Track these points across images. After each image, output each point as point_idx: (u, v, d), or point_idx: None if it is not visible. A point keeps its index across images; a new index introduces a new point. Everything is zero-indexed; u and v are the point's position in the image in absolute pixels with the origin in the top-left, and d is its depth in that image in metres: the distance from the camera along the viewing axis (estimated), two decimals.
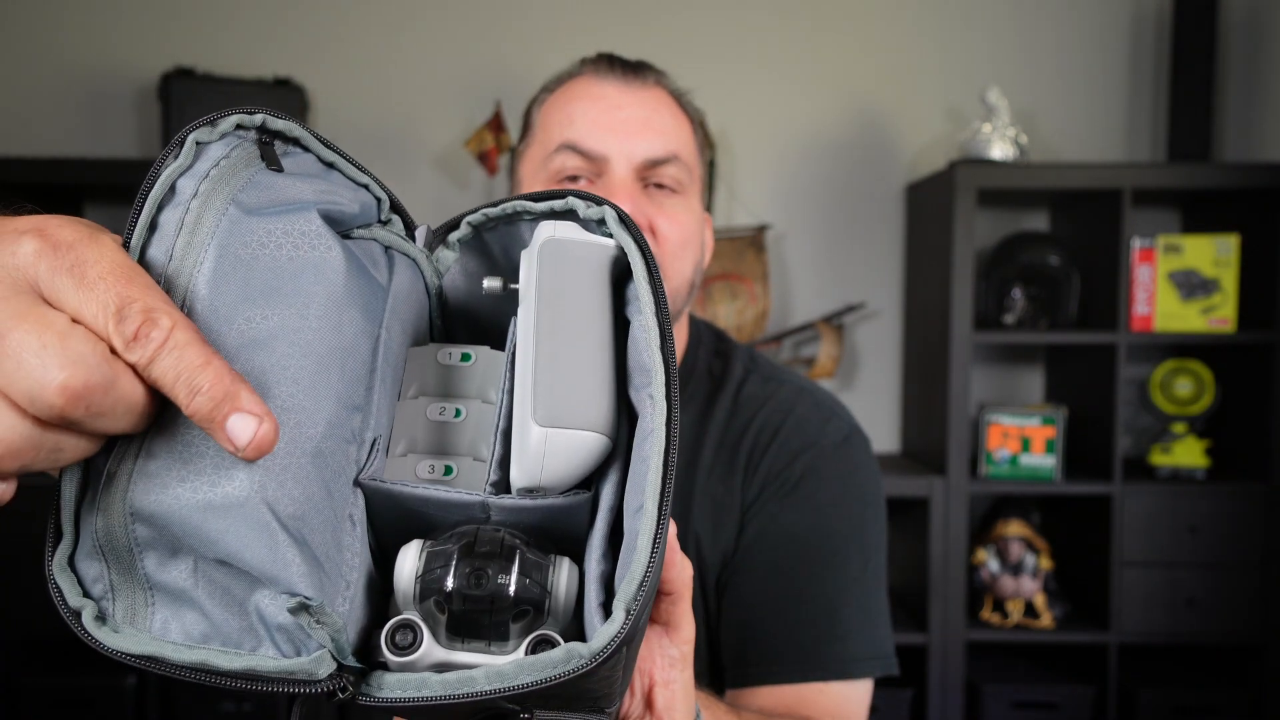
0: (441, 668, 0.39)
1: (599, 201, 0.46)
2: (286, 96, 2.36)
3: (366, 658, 0.40)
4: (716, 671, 0.89)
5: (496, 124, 2.39)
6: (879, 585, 0.88)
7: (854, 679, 0.84)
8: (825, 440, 0.91)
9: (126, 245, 0.37)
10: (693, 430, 0.92)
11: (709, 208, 2.53)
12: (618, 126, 0.82)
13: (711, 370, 0.96)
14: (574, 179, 0.83)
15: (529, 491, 0.41)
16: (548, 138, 0.85)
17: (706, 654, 0.89)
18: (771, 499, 0.88)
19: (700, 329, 1.00)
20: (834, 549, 0.86)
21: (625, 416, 0.44)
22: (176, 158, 0.39)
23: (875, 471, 0.93)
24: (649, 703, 0.50)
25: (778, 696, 0.83)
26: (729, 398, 0.94)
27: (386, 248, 0.47)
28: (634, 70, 0.87)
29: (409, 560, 0.40)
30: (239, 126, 0.41)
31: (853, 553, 0.87)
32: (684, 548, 0.86)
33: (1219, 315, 2.24)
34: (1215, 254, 2.24)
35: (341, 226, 0.45)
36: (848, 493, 0.89)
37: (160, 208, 0.38)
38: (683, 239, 0.84)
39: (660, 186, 0.84)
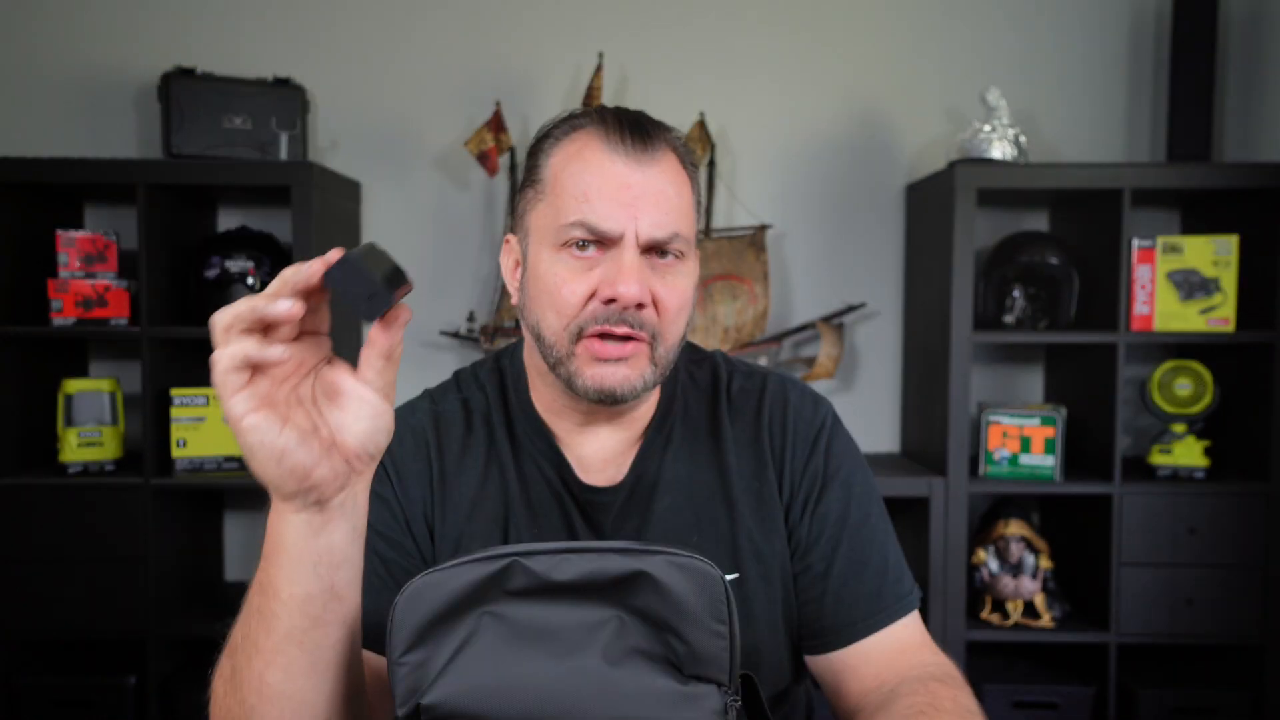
0: None
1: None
2: (286, 96, 2.35)
3: None
4: (789, 641, 1.03)
5: (496, 124, 2.39)
6: (891, 527, 1.06)
7: (913, 610, 1.01)
8: (822, 422, 1.06)
9: None
10: (710, 439, 1.04)
11: (708, 210, 2.53)
12: (628, 204, 0.93)
13: (695, 378, 1.07)
14: (583, 246, 0.94)
15: None
16: (561, 205, 0.94)
17: (783, 629, 1.02)
18: (812, 495, 1.03)
19: None
20: (867, 512, 1.03)
21: None
22: None
23: (849, 433, 1.10)
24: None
25: (879, 649, 0.99)
26: (724, 399, 1.05)
27: None
28: (643, 140, 0.95)
29: None
30: None
31: (874, 508, 1.04)
32: (738, 543, 1.00)
33: (1219, 315, 2.24)
34: (1215, 254, 2.24)
35: None
36: (854, 461, 1.06)
37: None
38: (679, 305, 0.96)
39: (664, 254, 0.95)
